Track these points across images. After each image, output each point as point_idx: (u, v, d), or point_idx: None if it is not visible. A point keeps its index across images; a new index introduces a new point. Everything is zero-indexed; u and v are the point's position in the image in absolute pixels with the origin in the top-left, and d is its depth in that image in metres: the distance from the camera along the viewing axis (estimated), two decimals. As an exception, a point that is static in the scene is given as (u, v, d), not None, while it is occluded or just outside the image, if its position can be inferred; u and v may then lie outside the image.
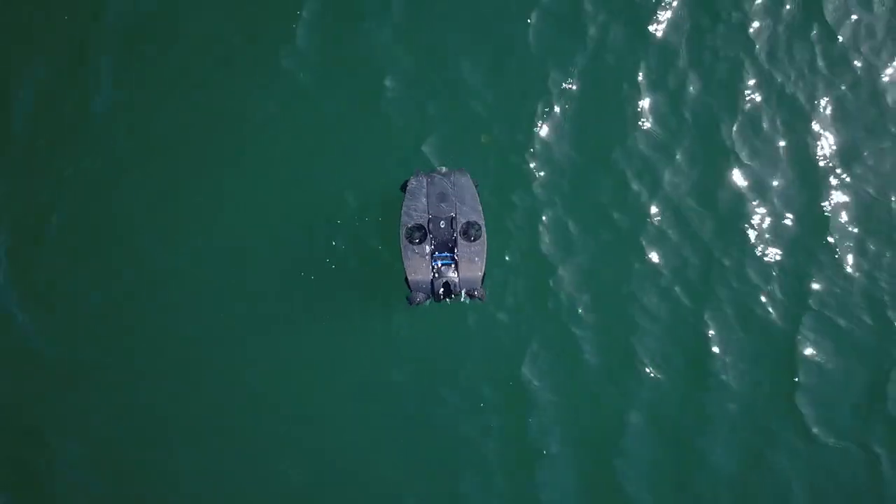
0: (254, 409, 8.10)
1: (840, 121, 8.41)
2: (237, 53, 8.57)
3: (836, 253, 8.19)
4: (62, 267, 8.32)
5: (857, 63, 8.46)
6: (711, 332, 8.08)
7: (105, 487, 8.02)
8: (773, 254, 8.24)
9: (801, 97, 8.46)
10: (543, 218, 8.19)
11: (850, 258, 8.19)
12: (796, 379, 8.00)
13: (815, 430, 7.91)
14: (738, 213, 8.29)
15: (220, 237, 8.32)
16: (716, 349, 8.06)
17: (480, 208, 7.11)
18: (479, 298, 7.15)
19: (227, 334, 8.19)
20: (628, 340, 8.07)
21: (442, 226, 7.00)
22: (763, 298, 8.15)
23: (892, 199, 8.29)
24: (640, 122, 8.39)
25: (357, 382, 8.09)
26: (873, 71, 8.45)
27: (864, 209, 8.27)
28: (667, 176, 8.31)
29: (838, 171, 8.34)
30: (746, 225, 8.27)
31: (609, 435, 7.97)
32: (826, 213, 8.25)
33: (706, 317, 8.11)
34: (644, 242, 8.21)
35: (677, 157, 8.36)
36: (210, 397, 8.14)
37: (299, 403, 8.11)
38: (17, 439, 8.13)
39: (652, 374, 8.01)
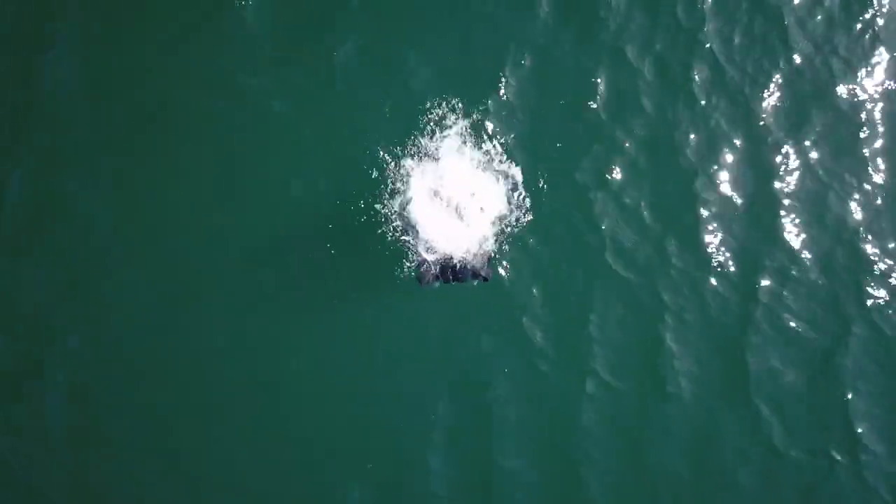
0: (254, 400, 8.01)
1: (788, 111, 8.48)
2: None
3: (789, 250, 8.24)
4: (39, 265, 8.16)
5: (808, 53, 8.54)
6: (667, 335, 8.09)
7: (101, 483, 7.89)
8: (725, 253, 8.25)
9: (750, 89, 8.50)
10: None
11: (803, 255, 8.24)
12: (750, 381, 8.02)
13: (774, 436, 7.95)
14: (689, 211, 8.27)
15: (213, 226, 8.20)
16: (670, 354, 8.05)
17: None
18: (486, 278, 7.29)
19: (224, 325, 8.07)
20: (585, 347, 8.06)
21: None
22: (715, 300, 8.16)
23: (840, 191, 8.34)
24: (587, 117, 8.33)
25: (362, 372, 8.03)
26: (823, 60, 8.52)
27: (815, 202, 8.33)
28: (618, 171, 8.30)
29: (789, 163, 8.39)
30: (698, 223, 8.26)
31: (568, 442, 7.95)
32: (777, 209, 8.28)
33: (662, 319, 8.11)
34: (595, 241, 8.21)
35: (628, 151, 8.34)
36: (206, 389, 8.01)
37: (301, 395, 8.03)
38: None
39: (607, 381, 8.01)
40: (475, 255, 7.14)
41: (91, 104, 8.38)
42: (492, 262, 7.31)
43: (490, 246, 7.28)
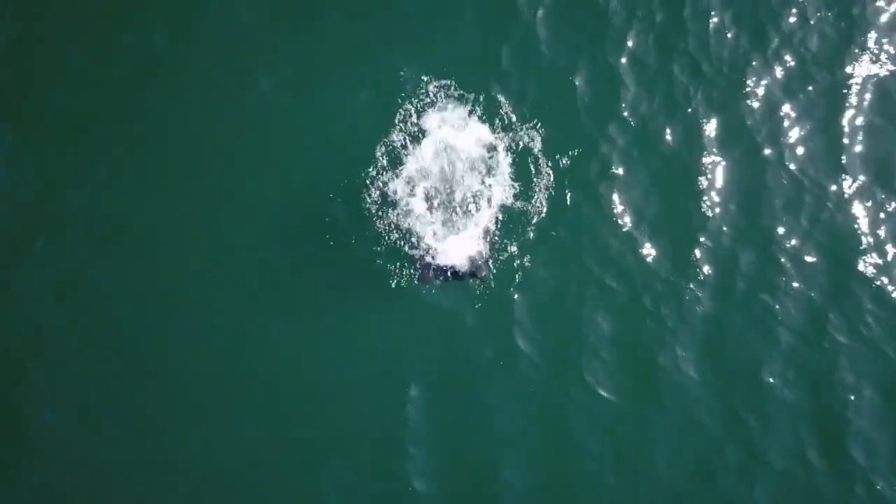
0: (251, 400, 8.04)
1: (776, 116, 8.61)
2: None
3: (780, 258, 8.23)
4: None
5: (793, 54, 8.70)
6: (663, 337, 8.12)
7: (100, 483, 7.88)
8: (714, 260, 8.24)
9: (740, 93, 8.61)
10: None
11: (796, 263, 8.22)
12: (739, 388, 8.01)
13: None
14: (676, 216, 8.31)
15: (208, 225, 8.30)
16: (662, 360, 8.05)
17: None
18: (482, 277, 7.42)
19: (221, 324, 8.13)
20: (573, 350, 8.07)
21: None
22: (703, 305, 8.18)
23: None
24: (574, 117, 8.43)
25: (360, 372, 8.06)
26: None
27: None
28: (604, 172, 8.37)
29: (779, 169, 8.49)
30: (687, 228, 8.30)
31: (560, 444, 7.95)
32: (774, 217, 8.37)
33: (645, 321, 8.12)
34: (581, 245, 8.24)
35: (614, 153, 8.43)
36: (203, 388, 8.05)
37: (299, 394, 8.06)
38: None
39: (595, 387, 7.98)
40: (473, 253, 7.32)
41: (77, 102, 8.52)
42: (488, 261, 7.44)
43: (488, 244, 7.42)
